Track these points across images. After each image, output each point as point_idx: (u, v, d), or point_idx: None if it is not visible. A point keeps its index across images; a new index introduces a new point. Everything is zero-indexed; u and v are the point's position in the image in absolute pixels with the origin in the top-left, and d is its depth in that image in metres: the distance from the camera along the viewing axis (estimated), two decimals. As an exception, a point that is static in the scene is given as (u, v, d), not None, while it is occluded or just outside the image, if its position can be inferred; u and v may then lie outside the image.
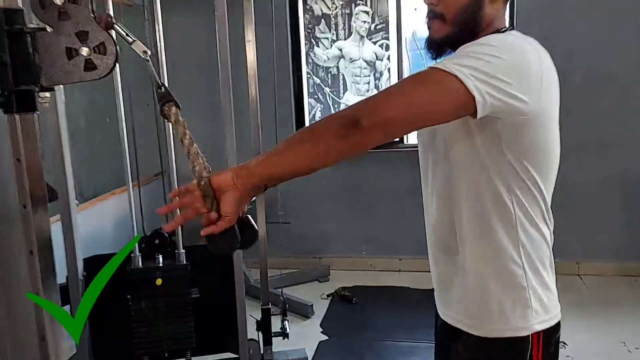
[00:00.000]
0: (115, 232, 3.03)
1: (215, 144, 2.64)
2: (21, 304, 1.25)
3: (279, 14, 3.64)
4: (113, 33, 0.85)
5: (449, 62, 0.89)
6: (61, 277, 2.36)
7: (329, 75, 3.99)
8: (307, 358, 2.64)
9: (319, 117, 4.08)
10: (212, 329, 2.57)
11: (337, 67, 3.97)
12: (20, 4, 0.82)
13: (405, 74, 3.85)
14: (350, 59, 3.94)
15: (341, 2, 3.88)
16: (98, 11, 0.84)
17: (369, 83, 3.96)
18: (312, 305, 3.22)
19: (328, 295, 3.47)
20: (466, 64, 0.88)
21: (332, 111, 4.06)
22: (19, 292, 1.25)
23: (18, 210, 0.94)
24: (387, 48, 3.88)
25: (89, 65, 0.83)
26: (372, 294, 3.53)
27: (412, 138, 3.67)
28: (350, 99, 4.00)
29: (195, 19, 3.84)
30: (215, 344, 2.63)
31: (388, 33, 3.86)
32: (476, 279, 1.05)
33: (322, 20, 3.92)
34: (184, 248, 2.44)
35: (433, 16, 1.03)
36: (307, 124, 4.00)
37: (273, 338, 2.61)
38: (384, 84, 3.96)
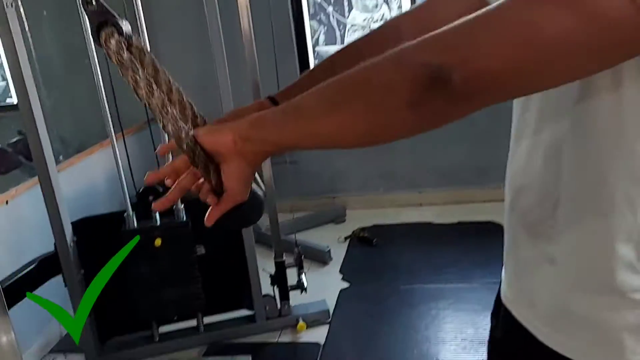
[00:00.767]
0: (107, 189, 2.77)
1: (206, 85, 2.30)
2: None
3: None
4: None
5: None
6: (47, 246, 2.11)
7: (330, -9, 3.54)
8: (328, 310, 2.43)
9: (323, 42, 3.67)
10: (224, 286, 2.36)
11: (339, -18, 3.52)
12: None
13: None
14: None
15: None
16: None
17: (377, -3, 3.52)
18: (329, 250, 2.98)
19: (346, 238, 3.23)
20: None
21: (337, 34, 3.64)
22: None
23: None
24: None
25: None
26: (393, 232, 3.29)
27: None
28: (357, 17, 3.56)
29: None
30: (229, 301, 2.43)
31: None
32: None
33: None
34: (182, 203, 2.18)
35: None
36: (310, 52, 3.59)
37: (290, 292, 2.39)
38: (393, -1, 3.51)
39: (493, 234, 3.10)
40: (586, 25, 0.47)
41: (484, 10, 0.51)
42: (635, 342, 0.60)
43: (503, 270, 0.78)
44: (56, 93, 2.73)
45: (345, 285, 2.73)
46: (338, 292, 2.64)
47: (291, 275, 2.41)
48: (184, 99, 0.70)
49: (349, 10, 3.57)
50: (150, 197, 2.14)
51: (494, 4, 0.51)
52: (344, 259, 3.00)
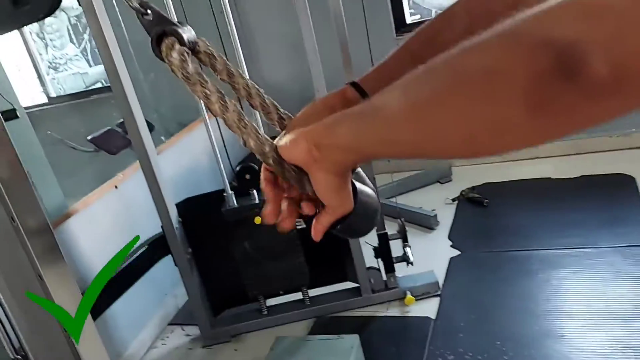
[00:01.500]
0: (209, 165, 2.80)
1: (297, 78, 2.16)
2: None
3: None
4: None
5: None
6: (156, 227, 2.18)
7: None
8: (437, 282, 2.29)
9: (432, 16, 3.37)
10: (327, 259, 2.31)
11: None
12: None
13: None
14: None
15: None
16: None
17: None
18: (435, 214, 2.81)
19: (453, 200, 3.03)
20: None
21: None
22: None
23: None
24: None
25: None
26: (506, 191, 3.03)
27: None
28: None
29: None
30: (333, 274, 2.38)
31: None
32: None
33: None
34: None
35: None
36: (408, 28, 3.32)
37: (396, 264, 2.29)
38: None
39: (624, 189, 2.74)
40: None
41: None
42: None
43: None
44: (153, 75, 2.77)
45: (455, 252, 2.56)
46: (447, 261, 2.49)
47: (395, 245, 2.29)
48: (266, 101, 0.63)
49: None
50: (247, 176, 2.12)
51: None
52: (452, 223, 2.82)
